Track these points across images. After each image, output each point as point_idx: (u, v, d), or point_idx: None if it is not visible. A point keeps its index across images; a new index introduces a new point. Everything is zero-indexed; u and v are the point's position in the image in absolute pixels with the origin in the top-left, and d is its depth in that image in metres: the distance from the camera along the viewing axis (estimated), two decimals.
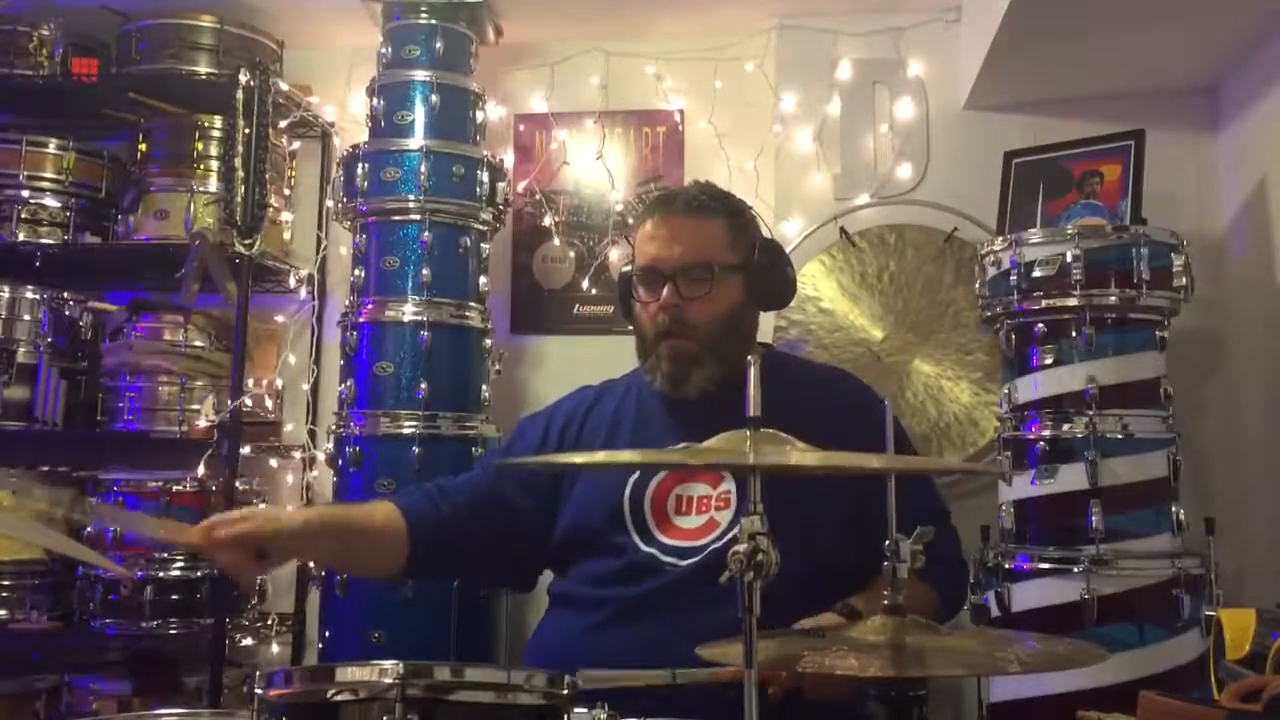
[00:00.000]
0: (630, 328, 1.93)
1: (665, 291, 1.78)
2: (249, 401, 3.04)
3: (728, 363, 1.77)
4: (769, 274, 1.86)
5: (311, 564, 1.70)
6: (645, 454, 1.70)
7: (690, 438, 1.57)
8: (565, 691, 1.11)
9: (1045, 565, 2.38)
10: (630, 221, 3.29)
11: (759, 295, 1.87)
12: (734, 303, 1.82)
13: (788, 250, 2.95)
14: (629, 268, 1.91)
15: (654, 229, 1.83)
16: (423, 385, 2.79)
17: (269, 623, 3.13)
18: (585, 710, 1.19)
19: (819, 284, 3.08)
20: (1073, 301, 2.41)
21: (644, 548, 1.74)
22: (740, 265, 1.83)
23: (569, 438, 1.89)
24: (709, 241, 1.81)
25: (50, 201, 3.11)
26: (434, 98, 2.93)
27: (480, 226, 2.97)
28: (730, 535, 1.68)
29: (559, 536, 1.84)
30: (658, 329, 1.81)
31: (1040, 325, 2.46)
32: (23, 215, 3.08)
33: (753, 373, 1.13)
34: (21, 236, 3.07)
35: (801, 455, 1.15)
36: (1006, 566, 2.43)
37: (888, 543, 1.20)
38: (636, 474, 1.78)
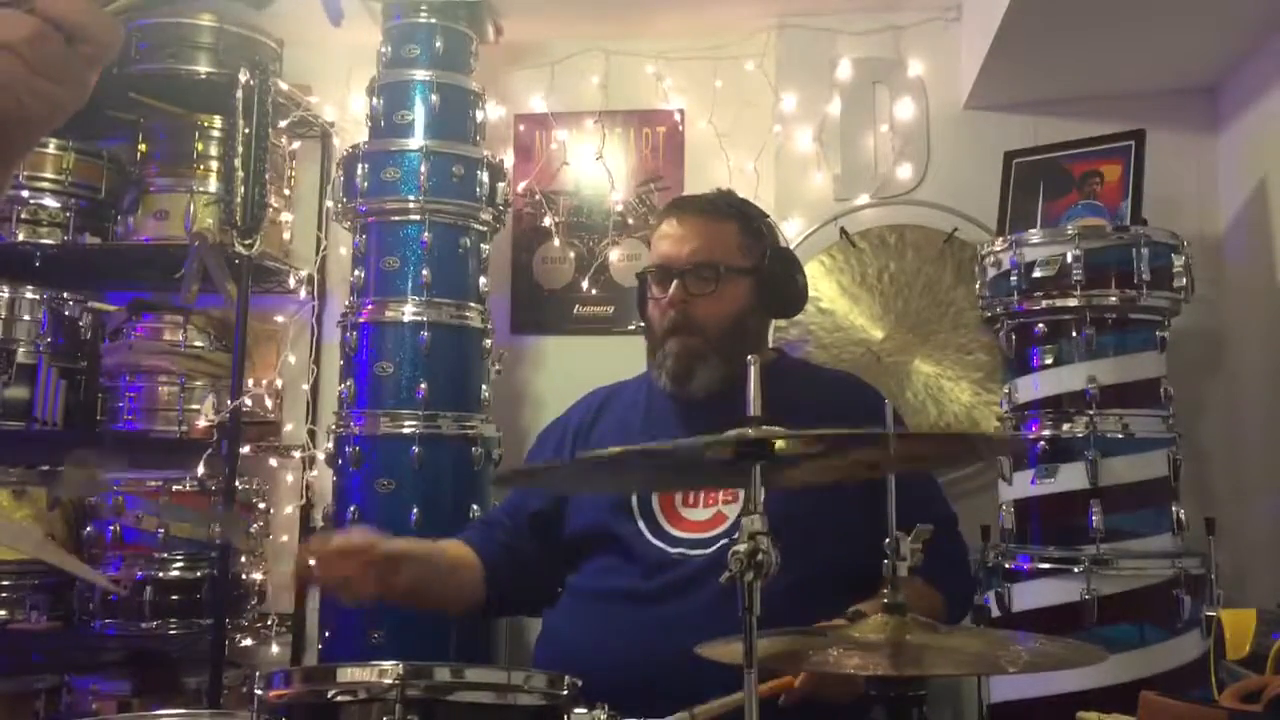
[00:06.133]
0: (632, 327, 1.97)
1: (673, 288, 1.85)
2: (249, 401, 3.03)
3: (733, 364, 1.80)
4: (778, 281, 1.91)
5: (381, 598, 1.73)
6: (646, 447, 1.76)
7: (701, 434, 1.69)
8: (565, 692, 1.11)
9: (1045, 565, 2.38)
10: (630, 222, 3.30)
11: (767, 301, 1.91)
12: (740, 305, 1.87)
13: None
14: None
15: (668, 228, 1.90)
16: (422, 385, 2.79)
17: (269, 623, 3.13)
18: (585, 711, 1.19)
19: (819, 284, 3.07)
20: (1073, 302, 2.41)
21: (653, 540, 1.79)
22: (749, 269, 1.88)
23: (581, 440, 1.97)
24: (719, 243, 1.87)
25: (50, 202, 3.09)
26: (434, 97, 2.93)
27: (480, 227, 2.97)
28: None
29: (569, 535, 1.90)
30: (665, 325, 1.87)
31: (1040, 325, 2.46)
32: (22, 215, 3.06)
33: (753, 372, 1.14)
34: (21, 237, 3.06)
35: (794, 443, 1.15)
36: (1007, 566, 2.43)
37: (887, 540, 1.21)
38: None
